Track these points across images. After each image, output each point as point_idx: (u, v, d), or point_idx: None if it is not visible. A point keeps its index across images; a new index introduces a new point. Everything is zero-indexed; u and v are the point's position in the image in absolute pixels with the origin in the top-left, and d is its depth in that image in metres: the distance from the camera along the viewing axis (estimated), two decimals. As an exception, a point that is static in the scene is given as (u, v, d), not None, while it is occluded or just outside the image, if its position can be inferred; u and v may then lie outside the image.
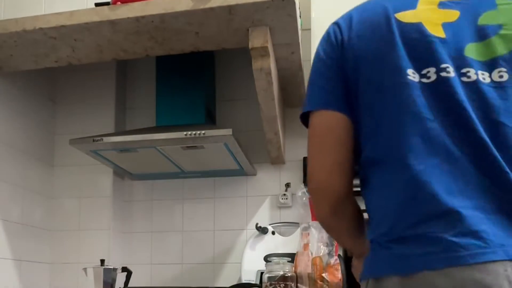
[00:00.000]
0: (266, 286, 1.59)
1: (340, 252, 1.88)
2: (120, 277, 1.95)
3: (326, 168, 0.98)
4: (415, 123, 0.88)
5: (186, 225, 2.26)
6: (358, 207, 1.05)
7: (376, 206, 0.94)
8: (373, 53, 0.95)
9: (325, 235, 1.61)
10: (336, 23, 1.03)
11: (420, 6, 0.96)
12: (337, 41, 0.99)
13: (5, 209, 1.95)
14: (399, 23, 0.94)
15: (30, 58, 1.87)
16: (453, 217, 0.82)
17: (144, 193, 2.31)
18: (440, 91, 0.89)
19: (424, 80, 0.90)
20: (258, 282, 1.89)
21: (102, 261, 1.89)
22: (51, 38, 1.72)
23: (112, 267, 1.90)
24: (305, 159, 2.15)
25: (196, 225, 2.25)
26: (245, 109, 2.25)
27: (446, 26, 0.93)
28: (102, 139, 1.83)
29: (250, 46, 1.63)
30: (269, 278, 1.60)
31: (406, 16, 0.95)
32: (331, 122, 0.98)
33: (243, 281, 1.97)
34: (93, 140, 1.84)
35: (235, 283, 1.94)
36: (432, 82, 0.89)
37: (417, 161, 0.86)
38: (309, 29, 1.87)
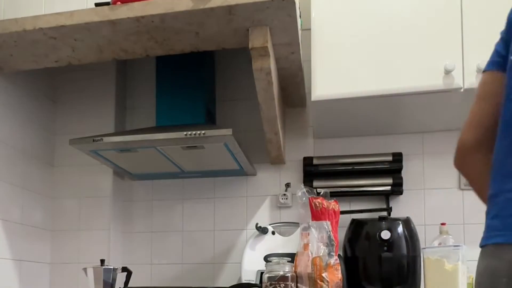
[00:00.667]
0: (266, 286, 1.59)
1: (340, 252, 1.88)
2: (120, 277, 1.95)
3: (470, 123, 1.06)
4: None
5: (186, 225, 2.26)
6: (488, 166, 1.06)
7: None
8: None
9: (325, 235, 1.61)
10: None
11: None
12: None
13: (5, 209, 1.95)
14: None
15: (30, 58, 1.87)
16: None
17: (144, 193, 2.31)
18: None
19: None
20: (258, 282, 1.89)
21: (102, 261, 1.89)
22: (51, 38, 1.72)
23: (112, 267, 1.89)
24: (305, 159, 2.16)
25: (196, 225, 2.25)
26: (245, 109, 2.25)
27: None
28: (102, 139, 1.83)
29: (250, 46, 1.63)
30: (269, 278, 1.60)
31: None
32: (487, 79, 1.06)
33: (243, 281, 1.97)
34: (93, 140, 1.84)
35: (235, 283, 1.94)
36: None
37: None
38: (309, 29, 1.87)
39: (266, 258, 1.78)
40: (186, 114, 2.03)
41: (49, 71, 2.17)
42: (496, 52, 1.06)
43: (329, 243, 1.60)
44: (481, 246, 0.99)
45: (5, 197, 1.95)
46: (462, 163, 1.10)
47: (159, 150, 1.90)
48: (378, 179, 2.06)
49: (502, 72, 1.03)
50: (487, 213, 0.99)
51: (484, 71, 1.08)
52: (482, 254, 0.98)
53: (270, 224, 2.09)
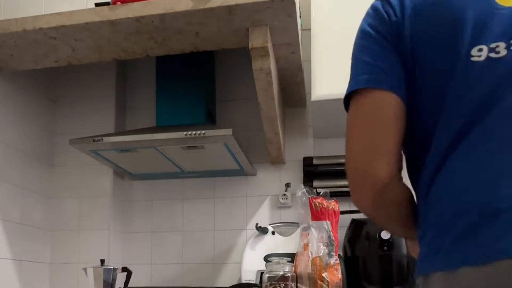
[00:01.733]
0: (266, 286, 1.59)
1: (340, 252, 1.88)
2: (120, 277, 1.95)
3: (369, 149, 0.88)
4: (485, 105, 0.80)
5: (186, 225, 2.26)
6: (409, 190, 0.95)
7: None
8: (434, 32, 0.87)
9: (325, 235, 1.61)
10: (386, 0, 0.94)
11: None
12: (389, 16, 0.91)
13: (5, 209, 1.95)
14: None
15: (30, 58, 1.87)
16: None
17: (144, 193, 2.31)
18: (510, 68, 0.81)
19: (493, 55, 0.82)
20: (258, 282, 1.89)
21: (102, 261, 1.89)
22: (51, 38, 1.72)
23: (112, 267, 1.89)
24: (305, 159, 2.16)
25: (196, 225, 2.25)
26: (245, 109, 2.25)
27: None
28: (102, 139, 1.83)
29: (250, 46, 1.63)
30: (269, 278, 1.60)
31: None
32: (379, 100, 0.88)
33: (243, 281, 1.97)
34: (93, 140, 1.84)
35: (235, 283, 1.94)
36: (502, 57, 0.81)
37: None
38: (309, 29, 1.87)
39: (266, 258, 1.78)
40: (186, 114, 2.03)
41: (49, 71, 2.17)
42: (382, 70, 0.89)
43: (329, 243, 1.60)
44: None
45: (5, 197, 1.95)
46: (378, 199, 0.91)
47: (159, 150, 1.90)
48: (378, 179, 2.05)
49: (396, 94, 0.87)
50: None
51: (369, 88, 0.89)
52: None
53: (270, 224, 2.09)
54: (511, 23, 0.83)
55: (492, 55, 0.82)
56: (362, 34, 0.95)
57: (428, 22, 0.88)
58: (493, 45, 0.82)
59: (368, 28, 0.94)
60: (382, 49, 0.91)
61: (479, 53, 0.83)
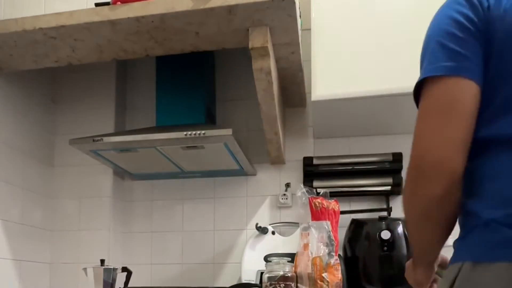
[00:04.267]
0: (266, 286, 1.59)
1: (340, 252, 1.88)
2: (120, 277, 1.95)
3: (454, 142, 0.86)
4: None
5: (186, 225, 2.26)
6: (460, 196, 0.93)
7: (507, 183, 0.85)
8: None
9: (325, 235, 1.61)
10: None
11: None
12: (481, 4, 0.90)
13: (5, 209, 1.95)
14: None
15: (30, 58, 1.87)
16: None
17: (144, 193, 2.31)
18: None
19: None
20: (258, 282, 1.89)
21: (102, 261, 1.89)
22: (51, 38, 1.72)
23: (112, 267, 1.90)
24: (305, 159, 2.16)
25: (196, 225, 2.25)
26: (245, 109, 2.25)
27: None
28: (102, 139, 1.83)
29: (250, 46, 1.63)
30: (269, 278, 1.60)
31: None
32: (463, 90, 0.87)
33: (243, 281, 1.97)
34: (93, 140, 1.84)
35: (235, 283, 1.94)
36: None
37: None
38: (309, 29, 1.87)
39: (266, 258, 1.78)
40: (186, 114, 2.03)
41: (49, 71, 2.17)
42: (467, 58, 0.89)
43: (329, 243, 1.60)
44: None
45: (5, 197, 1.95)
46: (448, 194, 0.89)
47: (159, 150, 1.90)
48: (378, 179, 2.06)
49: (475, 82, 0.88)
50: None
51: (455, 75, 0.88)
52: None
53: (270, 224, 2.09)
54: None
55: None
56: (449, 20, 0.92)
57: None
58: None
59: (456, 15, 0.91)
60: (470, 37, 0.89)
61: None
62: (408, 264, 1.16)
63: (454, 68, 0.88)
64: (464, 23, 0.90)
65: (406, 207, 0.96)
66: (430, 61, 0.91)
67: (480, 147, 0.89)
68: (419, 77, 0.92)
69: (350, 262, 1.89)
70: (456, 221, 0.94)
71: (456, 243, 0.92)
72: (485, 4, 0.90)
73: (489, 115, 0.88)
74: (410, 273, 1.14)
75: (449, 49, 0.89)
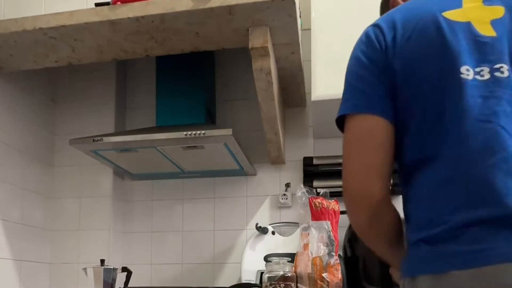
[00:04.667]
0: (266, 286, 1.59)
1: (340, 252, 1.88)
2: (120, 277, 1.95)
3: (365, 171, 0.96)
4: (470, 122, 0.88)
5: (186, 225, 2.26)
6: (397, 212, 1.02)
7: (427, 205, 0.92)
8: (424, 53, 0.93)
9: (325, 235, 1.61)
10: (377, 25, 1.01)
11: (465, 4, 0.96)
12: (380, 45, 0.98)
13: (5, 209, 1.95)
14: (448, 21, 0.94)
15: (30, 58, 1.87)
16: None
17: (144, 193, 2.31)
18: (493, 90, 0.89)
19: (478, 77, 0.90)
20: (258, 282, 1.89)
21: (102, 261, 1.89)
22: (51, 38, 1.72)
23: (112, 267, 1.90)
24: (305, 159, 2.16)
25: (196, 225, 2.25)
26: (245, 109, 2.25)
27: (494, 23, 0.93)
28: (102, 139, 1.83)
29: (250, 46, 1.63)
30: (269, 278, 1.60)
31: (454, 15, 0.95)
32: (371, 125, 0.96)
33: (243, 281, 1.97)
34: (93, 140, 1.84)
35: (235, 283, 1.94)
36: (486, 80, 0.89)
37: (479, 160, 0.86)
38: (309, 29, 1.88)
39: (266, 258, 1.78)
40: (186, 114, 2.03)
41: (49, 71, 2.17)
42: (373, 96, 0.96)
43: (329, 243, 1.60)
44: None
45: (5, 197, 1.95)
46: (374, 218, 0.97)
47: (159, 150, 1.90)
48: (378, 179, 2.05)
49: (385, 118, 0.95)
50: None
51: (361, 113, 0.97)
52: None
53: (270, 224, 2.09)
54: (493, 50, 0.91)
55: (477, 77, 0.90)
56: (355, 61, 1.02)
57: (418, 46, 0.95)
58: (478, 69, 0.90)
59: (360, 55, 1.00)
60: (372, 76, 0.98)
61: (468, 72, 0.90)
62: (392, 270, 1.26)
63: (361, 106, 0.97)
64: (366, 64, 0.99)
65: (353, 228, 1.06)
66: (343, 99, 1.01)
67: (407, 173, 0.97)
68: (337, 113, 1.02)
69: (350, 262, 1.88)
70: (399, 230, 1.02)
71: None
72: (383, 44, 0.97)
73: (407, 142, 0.96)
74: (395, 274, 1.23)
75: (356, 89, 0.99)
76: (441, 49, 0.92)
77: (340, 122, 1.02)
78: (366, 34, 1.02)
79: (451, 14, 0.95)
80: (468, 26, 0.93)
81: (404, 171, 0.98)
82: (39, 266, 2.14)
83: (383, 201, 0.97)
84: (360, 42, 1.03)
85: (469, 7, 0.95)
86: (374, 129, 0.96)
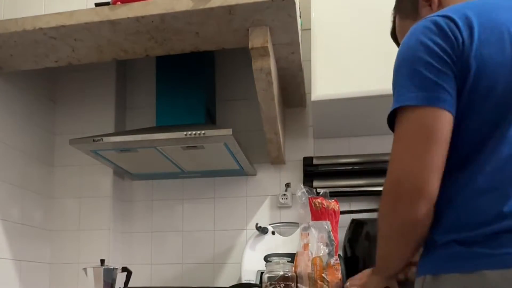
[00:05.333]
0: (266, 286, 1.59)
1: (340, 252, 1.88)
2: (120, 277, 1.95)
3: (432, 169, 0.92)
4: None
5: (186, 225, 2.26)
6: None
7: (465, 210, 0.93)
8: (497, 62, 0.92)
9: (325, 235, 1.61)
10: (448, 17, 0.95)
11: None
12: (455, 38, 0.93)
13: (5, 209, 1.95)
14: None
15: (30, 58, 1.87)
16: None
17: (144, 193, 2.31)
18: None
19: None
20: (258, 282, 1.89)
21: (102, 261, 1.89)
22: (51, 38, 1.72)
23: (112, 267, 1.89)
24: (305, 159, 2.16)
25: (196, 225, 2.25)
26: (245, 109, 2.25)
27: None
28: (102, 139, 1.83)
29: (250, 46, 1.63)
30: (269, 278, 1.60)
31: None
32: (441, 121, 0.92)
33: (243, 281, 1.97)
34: (93, 140, 1.84)
35: (235, 283, 1.94)
36: None
37: None
38: (309, 29, 1.87)
39: (266, 258, 1.78)
40: (186, 114, 2.03)
41: (49, 71, 2.17)
42: (443, 89, 0.93)
43: (329, 243, 1.60)
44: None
45: (5, 197, 1.95)
46: (428, 216, 0.95)
47: (159, 150, 1.90)
48: (378, 179, 2.05)
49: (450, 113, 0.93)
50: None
51: (433, 106, 0.93)
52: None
53: (270, 224, 2.09)
54: None
55: None
56: (424, 48, 0.95)
57: (494, 54, 0.92)
58: None
59: (430, 43, 0.94)
60: (446, 68, 0.93)
61: None
62: (366, 271, 1.28)
63: (433, 99, 0.92)
64: (439, 54, 0.93)
65: (382, 225, 1.03)
66: (408, 88, 0.95)
67: (447, 171, 0.95)
68: (396, 103, 0.96)
69: (350, 262, 1.88)
70: (423, 243, 1.01)
71: (419, 260, 1.00)
72: (460, 39, 0.93)
73: (455, 142, 0.94)
74: (362, 277, 1.26)
75: (426, 78, 0.93)
76: (510, 65, 0.92)
77: (394, 115, 0.97)
78: (435, 23, 0.96)
79: None
80: None
81: (446, 167, 0.95)
82: (39, 266, 2.14)
83: (434, 201, 0.94)
84: (426, 30, 0.96)
85: None
86: (443, 125, 0.92)
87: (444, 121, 0.92)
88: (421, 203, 0.93)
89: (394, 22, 1.31)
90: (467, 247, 0.89)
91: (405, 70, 0.97)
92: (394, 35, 1.32)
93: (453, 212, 0.93)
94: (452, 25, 0.94)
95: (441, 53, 0.93)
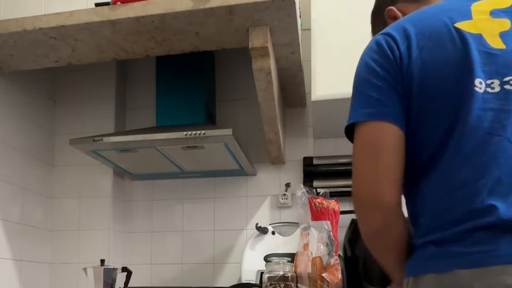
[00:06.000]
0: (266, 286, 1.59)
1: (340, 252, 1.88)
2: (120, 277, 1.95)
3: (378, 177, 0.96)
4: (480, 135, 0.90)
5: (186, 225, 2.26)
6: (408, 223, 1.02)
7: (436, 211, 0.94)
8: (440, 64, 0.94)
9: (325, 235, 1.61)
10: (388, 34, 1.01)
11: (475, 16, 0.97)
12: (393, 54, 0.98)
13: (5, 209, 1.95)
14: (461, 33, 0.95)
15: (30, 58, 1.87)
16: None
17: (144, 193, 2.31)
18: (503, 103, 0.91)
19: (489, 90, 0.92)
20: (258, 282, 1.89)
21: (102, 261, 1.89)
22: (51, 38, 1.72)
23: (112, 267, 1.90)
24: (305, 159, 2.16)
25: (196, 225, 2.25)
26: (245, 109, 2.25)
27: (503, 36, 0.94)
28: (102, 139, 1.83)
29: (250, 46, 1.63)
30: (269, 278, 1.60)
31: (466, 26, 0.96)
32: (385, 132, 0.97)
33: (243, 281, 1.97)
34: (93, 140, 1.84)
35: (235, 283, 1.94)
36: (496, 93, 0.91)
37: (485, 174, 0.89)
38: (309, 29, 1.87)
39: (266, 258, 1.78)
40: (186, 114, 2.03)
41: (49, 71, 2.17)
42: (384, 103, 0.97)
43: (329, 243, 1.60)
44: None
45: (5, 197, 1.95)
46: (387, 224, 0.97)
47: (159, 150, 1.90)
48: (378, 179, 2.05)
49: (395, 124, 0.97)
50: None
51: (376, 120, 0.97)
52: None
53: (270, 224, 2.09)
54: (503, 63, 0.92)
55: (488, 89, 0.92)
56: (366, 68, 1.02)
57: (434, 57, 0.96)
58: (489, 82, 0.92)
59: (372, 63, 1.00)
60: (385, 84, 0.98)
61: (480, 85, 0.92)
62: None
63: (375, 114, 0.98)
64: (378, 71, 0.99)
65: (363, 239, 1.05)
66: (353, 106, 1.02)
67: (414, 179, 0.98)
68: (348, 121, 1.02)
69: (350, 262, 1.88)
70: (407, 243, 1.01)
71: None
72: (397, 53, 0.98)
73: (416, 150, 0.97)
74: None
75: (368, 97, 0.99)
76: (458, 61, 0.93)
77: (349, 130, 1.02)
78: (376, 42, 1.02)
79: (463, 26, 0.96)
80: (479, 38, 0.94)
81: (411, 177, 0.99)
82: (39, 266, 2.14)
83: (395, 209, 0.97)
84: (370, 50, 1.03)
85: (479, 19, 0.96)
86: (387, 135, 0.96)
87: (387, 131, 0.96)
88: (377, 212, 0.97)
89: None
90: (442, 246, 0.89)
91: (354, 90, 1.04)
92: None
93: (427, 214, 0.95)
94: (390, 40, 0.99)
95: (381, 71, 0.98)
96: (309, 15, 1.89)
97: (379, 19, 1.26)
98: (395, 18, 1.18)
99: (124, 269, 1.96)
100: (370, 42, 1.05)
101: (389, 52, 0.99)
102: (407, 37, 0.98)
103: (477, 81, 0.91)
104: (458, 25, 0.96)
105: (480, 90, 0.91)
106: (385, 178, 0.96)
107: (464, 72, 0.92)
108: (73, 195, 2.24)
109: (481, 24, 0.96)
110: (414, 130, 0.97)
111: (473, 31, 0.95)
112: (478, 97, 0.91)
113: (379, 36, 1.03)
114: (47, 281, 2.18)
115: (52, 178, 2.25)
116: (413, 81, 0.96)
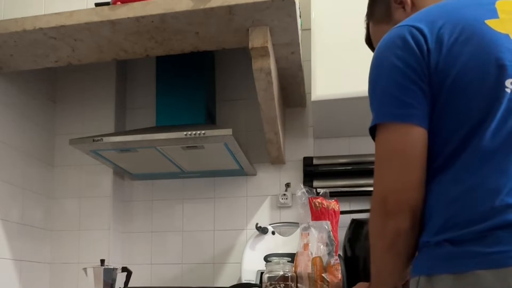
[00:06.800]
0: (266, 286, 1.59)
1: (340, 252, 1.88)
2: (120, 277, 1.95)
3: (412, 184, 0.95)
4: (506, 135, 0.89)
5: (186, 225, 2.26)
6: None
7: (454, 209, 0.92)
8: (472, 59, 0.92)
9: (325, 235, 1.61)
10: (414, 27, 0.96)
11: (501, 15, 0.95)
12: (420, 49, 0.95)
13: (5, 209, 1.95)
14: (492, 31, 0.93)
15: (30, 58, 1.87)
16: None
17: (144, 193, 2.31)
18: None
19: None
20: (258, 282, 1.89)
21: (102, 261, 1.89)
22: (51, 38, 1.72)
23: (112, 267, 1.90)
24: (305, 159, 2.16)
25: (196, 225, 2.25)
26: (245, 109, 2.25)
27: None
28: (102, 139, 1.83)
29: (250, 46, 1.63)
30: (269, 278, 1.60)
31: (495, 25, 0.94)
32: (413, 136, 0.95)
33: (243, 281, 1.97)
34: (93, 140, 1.84)
35: (235, 283, 1.94)
36: None
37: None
38: (309, 29, 1.88)
39: (266, 258, 1.78)
40: (186, 114, 2.03)
41: (49, 71, 2.17)
42: (411, 104, 0.95)
43: (329, 243, 1.60)
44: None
45: (5, 197, 1.95)
46: (414, 228, 0.97)
47: (159, 150, 1.90)
48: (378, 179, 2.05)
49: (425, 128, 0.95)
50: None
51: (402, 122, 0.95)
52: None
53: (270, 224, 2.09)
54: None
55: None
56: (391, 66, 0.97)
57: (467, 51, 0.93)
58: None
59: (396, 61, 0.96)
60: (411, 84, 0.95)
61: (510, 86, 0.90)
62: (362, 285, 1.27)
63: (402, 116, 0.95)
64: (404, 70, 0.95)
65: (374, 239, 1.04)
66: (377, 106, 0.99)
67: (432, 175, 0.96)
68: (372, 121, 1.00)
69: (350, 262, 1.88)
70: (414, 255, 1.01)
71: (413, 261, 1.00)
72: (424, 48, 0.94)
73: (438, 146, 0.95)
74: None
75: (395, 97, 0.96)
76: (492, 60, 0.91)
77: (373, 129, 1.00)
78: (400, 37, 0.97)
79: (493, 24, 0.94)
80: (507, 38, 0.93)
81: (428, 172, 0.97)
82: (39, 266, 2.14)
83: (420, 212, 0.97)
84: (393, 45, 0.98)
85: (505, 18, 0.95)
86: (414, 139, 0.95)
87: (416, 136, 0.95)
88: (407, 216, 0.96)
89: (367, 29, 1.31)
90: (460, 246, 0.88)
91: (377, 89, 1.00)
92: (368, 42, 1.32)
93: (444, 212, 0.93)
94: (417, 34, 0.95)
95: (407, 69, 0.95)
96: (309, 15, 1.89)
97: (378, 8, 1.22)
98: (401, 3, 1.14)
99: (124, 269, 1.96)
100: (391, 34, 1.00)
101: (415, 48, 0.95)
102: (436, 29, 0.94)
103: (507, 82, 0.90)
104: (488, 22, 0.94)
105: (508, 90, 0.90)
106: (415, 184, 0.95)
107: (498, 71, 0.91)
108: (73, 195, 2.24)
109: (508, 24, 0.94)
110: (437, 126, 0.95)
111: (502, 30, 0.93)
112: (507, 97, 0.90)
113: (403, 29, 0.98)
114: (47, 281, 2.18)
115: (52, 178, 2.25)
116: (442, 76, 0.93)
